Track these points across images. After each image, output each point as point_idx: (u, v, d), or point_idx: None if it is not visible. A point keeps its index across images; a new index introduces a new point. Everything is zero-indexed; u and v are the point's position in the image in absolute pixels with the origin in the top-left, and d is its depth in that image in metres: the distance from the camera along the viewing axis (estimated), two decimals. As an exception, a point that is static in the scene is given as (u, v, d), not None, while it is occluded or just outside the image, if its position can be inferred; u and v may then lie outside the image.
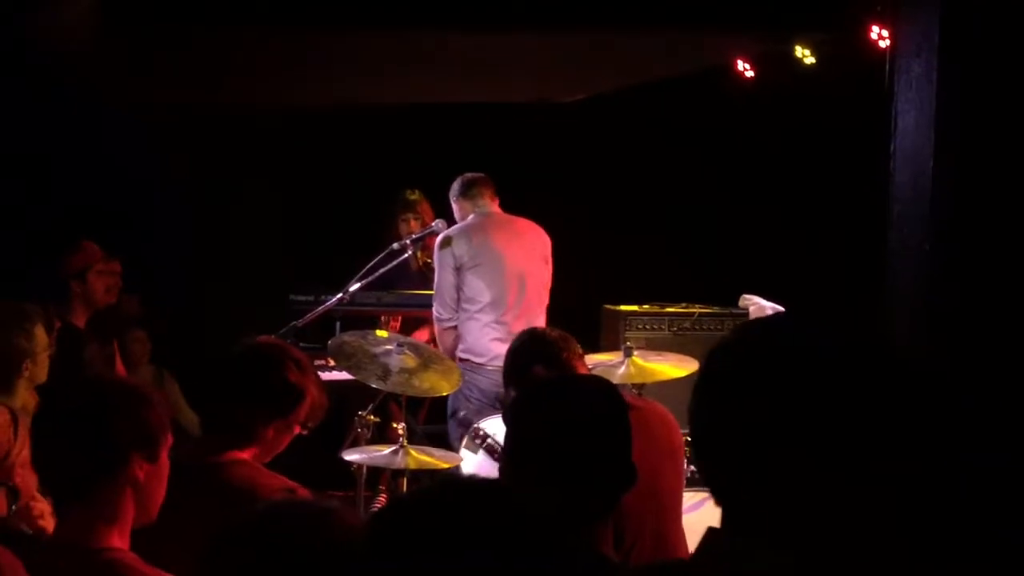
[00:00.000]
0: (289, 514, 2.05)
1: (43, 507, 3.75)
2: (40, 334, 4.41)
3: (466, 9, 6.15)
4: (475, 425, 5.23)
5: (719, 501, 1.58)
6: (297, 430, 3.35)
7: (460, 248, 6.24)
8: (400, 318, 7.28)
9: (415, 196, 7.28)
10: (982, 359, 4.40)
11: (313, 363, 3.49)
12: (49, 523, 3.72)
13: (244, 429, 3.24)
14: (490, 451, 5.05)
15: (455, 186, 6.49)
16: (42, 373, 4.39)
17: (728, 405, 1.53)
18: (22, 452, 3.92)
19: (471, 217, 6.38)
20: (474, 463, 5.14)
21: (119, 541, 2.59)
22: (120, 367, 5.91)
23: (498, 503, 1.39)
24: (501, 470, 2.59)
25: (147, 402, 2.68)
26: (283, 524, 2.01)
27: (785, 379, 1.50)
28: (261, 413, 3.24)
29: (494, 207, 6.45)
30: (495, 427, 5.18)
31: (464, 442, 5.26)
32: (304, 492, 3.08)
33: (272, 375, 3.25)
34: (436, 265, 6.34)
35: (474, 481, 1.50)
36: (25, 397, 4.34)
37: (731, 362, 1.57)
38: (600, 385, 2.65)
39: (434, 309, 6.36)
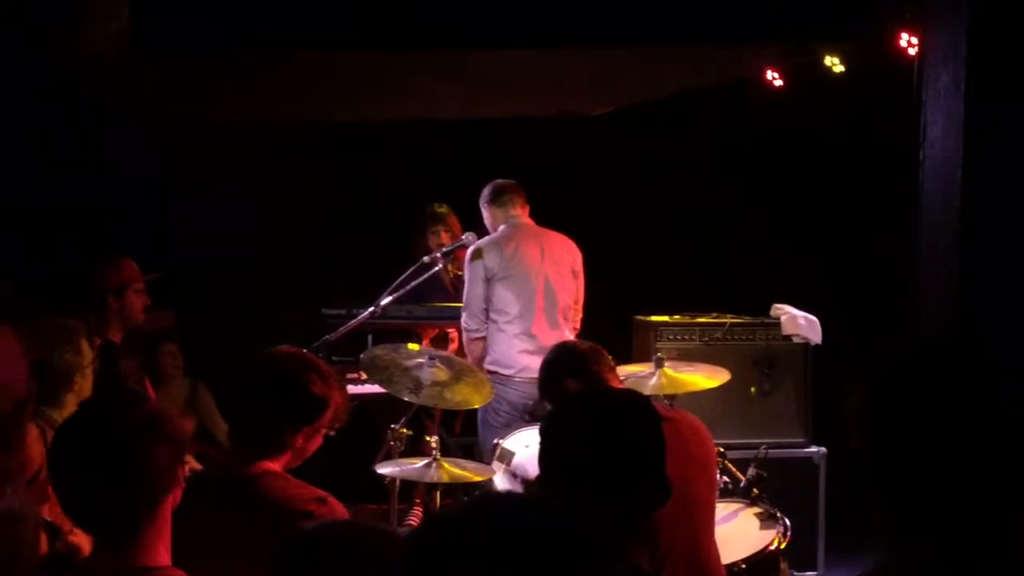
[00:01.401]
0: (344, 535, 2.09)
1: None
2: (86, 348, 4.47)
3: (493, 25, 6.18)
4: (501, 445, 5.23)
5: None
6: (324, 431, 3.36)
7: (491, 260, 6.26)
8: (456, 338, 7.26)
9: (443, 209, 7.30)
10: (1011, 367, 4.39)
11: (333, 370, 3.50)
12: (82, 539, 3.74)
13: (271, 438, 3.25)
14: (512, 474, 5.06)
15: (486, 192, 6.51)
16: (88, 387, 4.45)
17: None
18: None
19: (502, 228, 6.40)
20: (505, 477, 5.15)
21: (164, 558, 2.59)
22: (147, 381, 5.95)
23: (534, 518, 1.40)
24: (537, 482, 2.60)
25: (175, 424, 2.66)
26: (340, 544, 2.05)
27: None
28: (286, 423, 3.25)
29: (524, 216, 6.46)
30: (515, 443, 5.18)
31: (496, 454, 5.27)
32: (335, 502, 3.10)
33: (294, 385, 3.25)
34: (467, 275, 6.35)
35: (511, 496, 1.52)
36: (72, 412, 4.38)
37: None
38: (633, 398, 2.66)
39: (462, 320, 6.38)
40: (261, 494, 3.11)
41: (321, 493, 3.12)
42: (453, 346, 7.18)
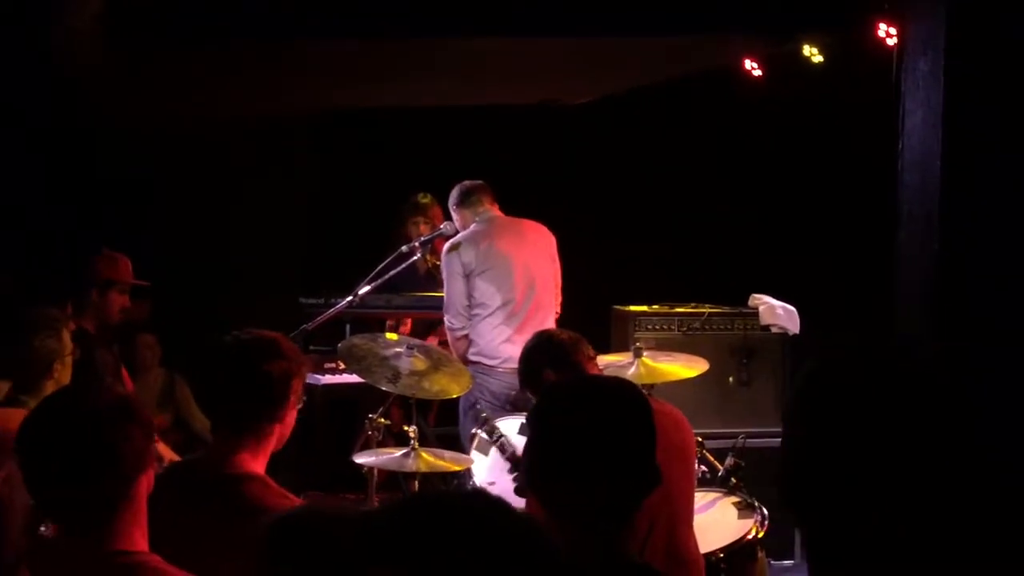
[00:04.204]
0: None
1: None
2: (66, 336, 4.47)
3: (475, 14, 6.17)
4: (491, 422, 5.22)
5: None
6: (297, 405, 3.32)
7: (468, 255, 6.24)
8: (410, 322, 7.29)
9: (426, 199, 7.29)
10: (990, 359, 4.40)
11: (310, 358, 3.44)
12: None
13: (244, 427, 3.20)
14: (502, 449, 5.07)
15: (454, 195, 6.49)
16: (67, 376, 4.45)
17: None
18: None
19: (475, 224, 6.38)
20: (485, 465, 5.15)
21: (140, 542, 2.60)
22: (123, 371, 5.93)
23: (460, 517, 1.38)
24: (525, 471, 2.59)
25: (142, 407, 2.66)
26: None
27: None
28: (253, 411, 3.20)
29: (495, 211, 6.45)
30: (509, 427, 5.20)
31: (475, 443, 5.28)
32: None
33: (251, 374, 3.20)
34: (444, 273, 6.33)
35: (446, 494, 1.50)
36: None
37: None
38: (623, 386, 2.66)
39: (446, 319, 6.35)
40: (238, 498, 3.07)
41: (297, 503, 3.08)
42: (405, 329, 7.20)
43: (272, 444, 3.25)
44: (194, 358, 3.70)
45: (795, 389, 1.70)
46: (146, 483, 2.62)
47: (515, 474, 4.83)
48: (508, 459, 5.03)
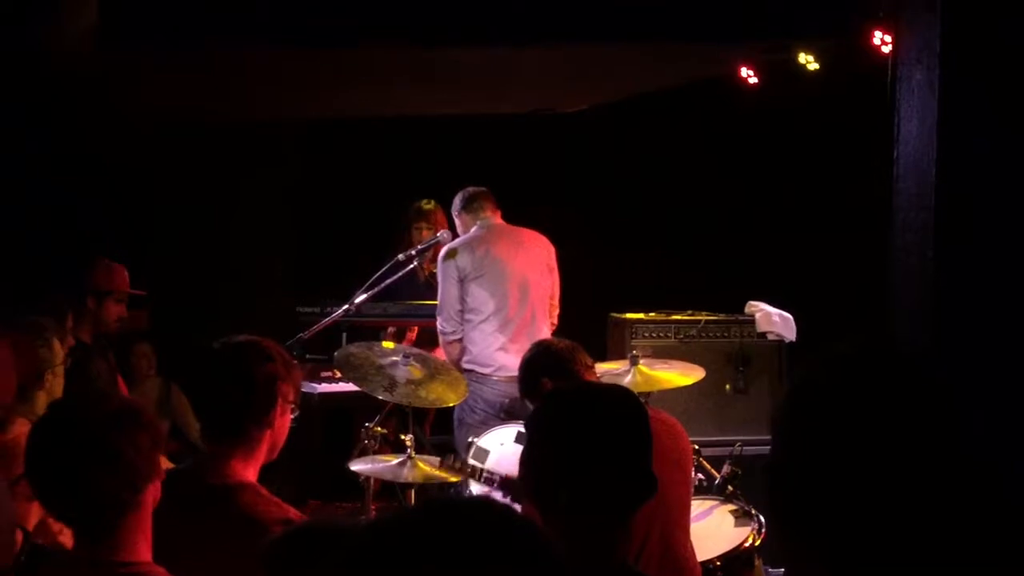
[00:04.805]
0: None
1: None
2: (57, 346, 4.46)
3: (469, 22, 6.18)
4: (476, 444, 5.18)
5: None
6: (291, 412, 3.28)
7: (463, 260, 6.24)
8: (416, 331, 7.27)
9: (430, 206, 7.27)
10: (985, 365, 4.41)
11: (305, 367, 3.42)
12: (68, 539, 3.72)
13: (235, 433, 3.17)
14: (488, 483, 5.04)
15: (456, 201, 6.50)
16: (59, 385, 4.44)
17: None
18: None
19: (474, 229, 6.39)
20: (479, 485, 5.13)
21: (145, 553, 2.59)
22: (120, 380, 5.93)
23: (465, 522, 1.37)
24: (522, 478, 2.59)
25: (149, 412, 2.67)
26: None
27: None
28: (244, 415, 3.17)
29: (496, 219, 6.45)
30: (490, 442, 5.15)
31: (470, 453, 5.26)
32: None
33: (241, 378, 3.17)
34: (439, 278, 6.33)
35: (450, 502, 1.48)
36: (43, 410, 4.35)
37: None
38: (620, 394, 2.66)
39: (438, 323, 6.34)
40: (230, 508, 3.05)
41: (290, 515, 3.04)
42: (411, 335, 7.19)
43: (264, 451, 3.20)
44: (187, 366, 3.69)
45: (785, 396, 1.69)
46: (153, 493, 2.62)
47: (509, 496, 4.80)
48: (499, 487, 4.99)
